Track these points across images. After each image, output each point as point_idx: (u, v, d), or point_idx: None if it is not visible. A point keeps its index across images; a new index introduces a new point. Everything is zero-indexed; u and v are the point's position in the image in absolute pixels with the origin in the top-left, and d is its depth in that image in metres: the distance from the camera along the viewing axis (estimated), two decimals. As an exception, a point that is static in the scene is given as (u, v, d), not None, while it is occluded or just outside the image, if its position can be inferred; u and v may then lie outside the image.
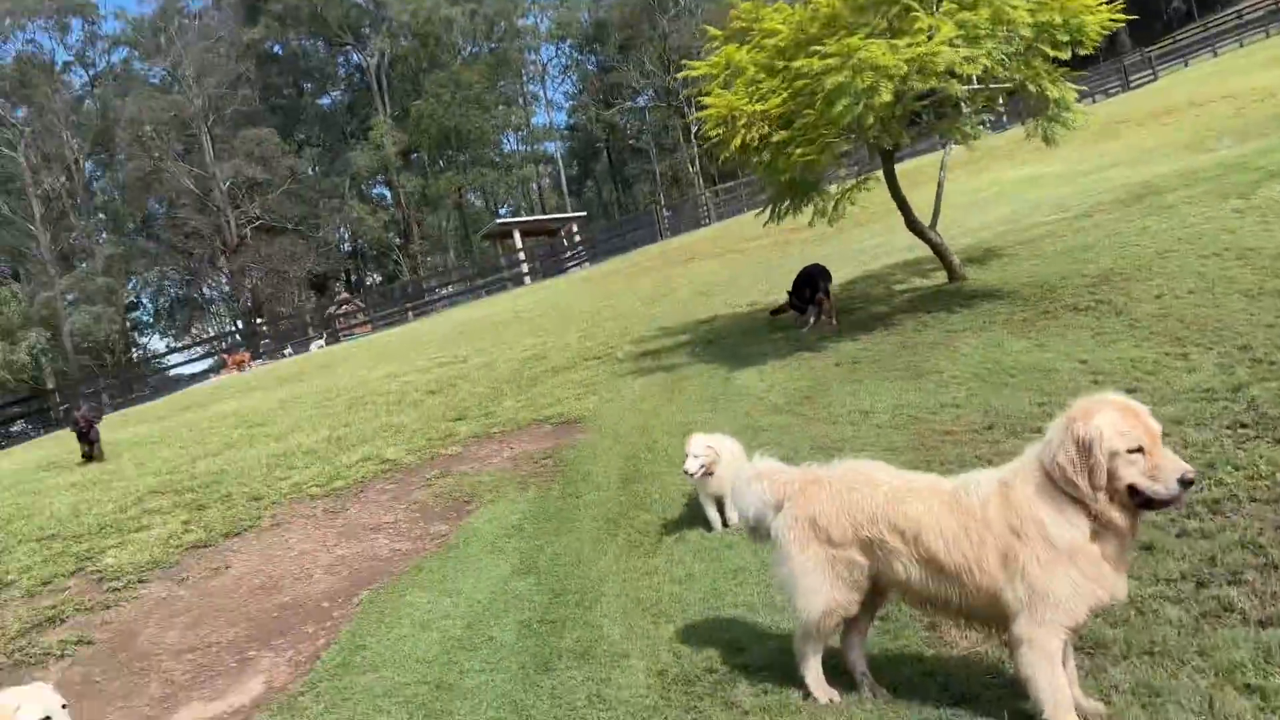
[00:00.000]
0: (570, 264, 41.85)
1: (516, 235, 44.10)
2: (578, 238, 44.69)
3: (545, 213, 59.11)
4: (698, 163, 62.55)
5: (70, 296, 50.42)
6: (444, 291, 43.86)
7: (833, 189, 11.89)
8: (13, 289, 31.53)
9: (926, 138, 22.64)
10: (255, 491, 9.82)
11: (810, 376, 9.98)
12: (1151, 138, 24.19)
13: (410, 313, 40.46)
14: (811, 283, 12.41)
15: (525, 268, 42.16)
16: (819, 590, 4.00)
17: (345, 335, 38.59)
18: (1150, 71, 43.79)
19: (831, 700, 4.09)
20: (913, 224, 12.66)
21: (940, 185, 13.62)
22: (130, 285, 59.21)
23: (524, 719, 4.51)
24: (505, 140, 66.96)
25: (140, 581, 7.77)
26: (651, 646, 4.95)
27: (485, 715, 4.63)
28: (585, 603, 5.75)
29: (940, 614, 4.01)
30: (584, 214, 52.71)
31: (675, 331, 15.01)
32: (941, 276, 13.46)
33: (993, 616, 3.75)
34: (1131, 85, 42.62)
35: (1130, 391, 7.76)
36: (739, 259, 24.18)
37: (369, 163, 58.29)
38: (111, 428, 21.70)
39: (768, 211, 12.06)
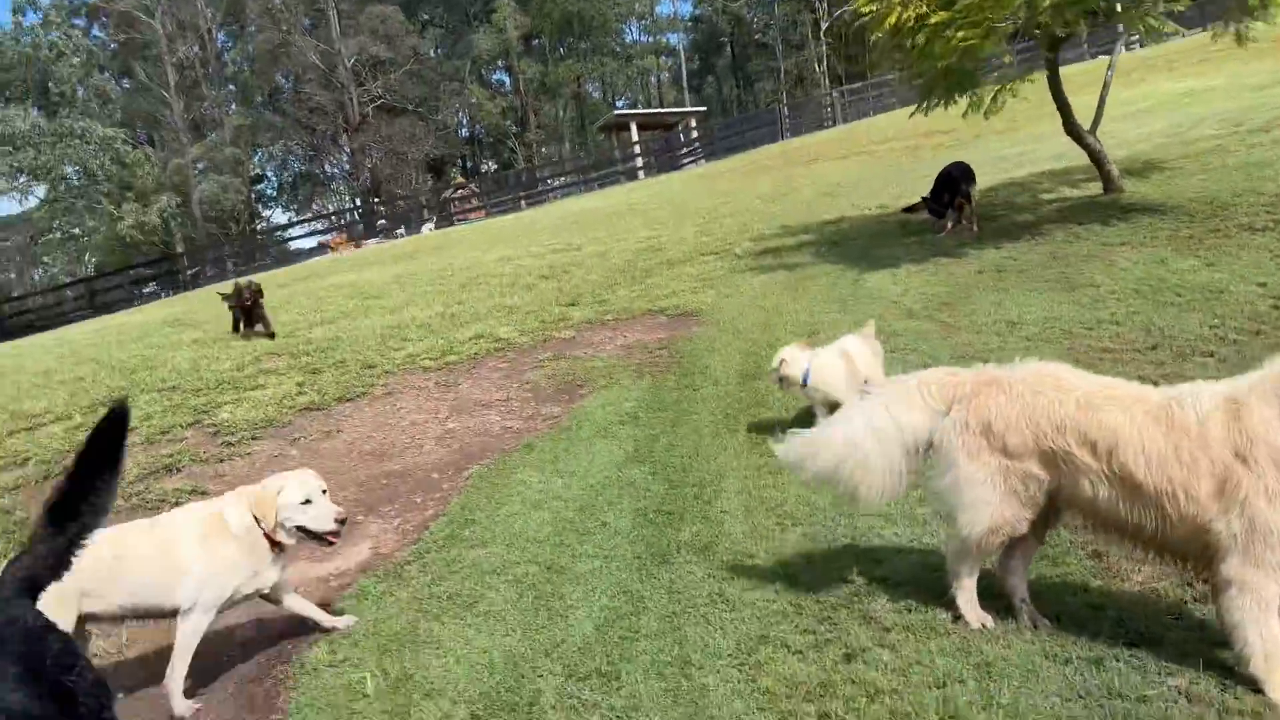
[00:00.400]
0: (686, 160, 40.86)
1: (633, 128, 43.16)
2: (695, 133, 43.50)
3: (663, 107, 57.68)
4: (825, 62, 59.96)
5: (200, 165, 51.78)
6: (557, 182, 43.49)
7: (990, 81, 10.85)
8: (146, 153, 32.35)
9: (1096, 33, 20.75)
10: (369, 360, 9.74)
11: (949, 282, 9.30)
12: (1339, 53, 21.86)
13: (523, 201, 40.31)
14: (952, 184, 11.55)
15: (640, 162, 41.37)
16: (987, 503, 3.52)
17: (459, 220, 38.69)
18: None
19: (985, 625, 3.66)
20: (1071, 127, 11.61)
21: (1106, 86, 12.43)
22: (256, 158, 60.54)
23: (640, 610, 4.21)
24: (627, 29, 65.44)
25: (253, 439, 7.76)
26: (778, 549, 4.58)
27: (599, 603, 4.35)
28: (704, 496, 5.40)
29: (1128, 543, 3.48)
30: (703, 109, 51.29)
31: (797, 231, 14.33)
32: (1095, 187, 12.42)
33: (1194, 552, 3.23)
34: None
35: (1324, 322, 7.04)
36: (866, 161, 23.04)
37: (490, 45, 57.56)
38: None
39: (918, 104, 11.14)
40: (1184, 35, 14.01)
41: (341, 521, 4.38)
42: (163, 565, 4.17)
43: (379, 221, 40.76)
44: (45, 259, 66.35)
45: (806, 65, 60.94)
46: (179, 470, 7.25)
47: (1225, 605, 3.09)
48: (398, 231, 38.01)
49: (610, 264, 14.28)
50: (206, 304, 18.19)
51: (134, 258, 42.28)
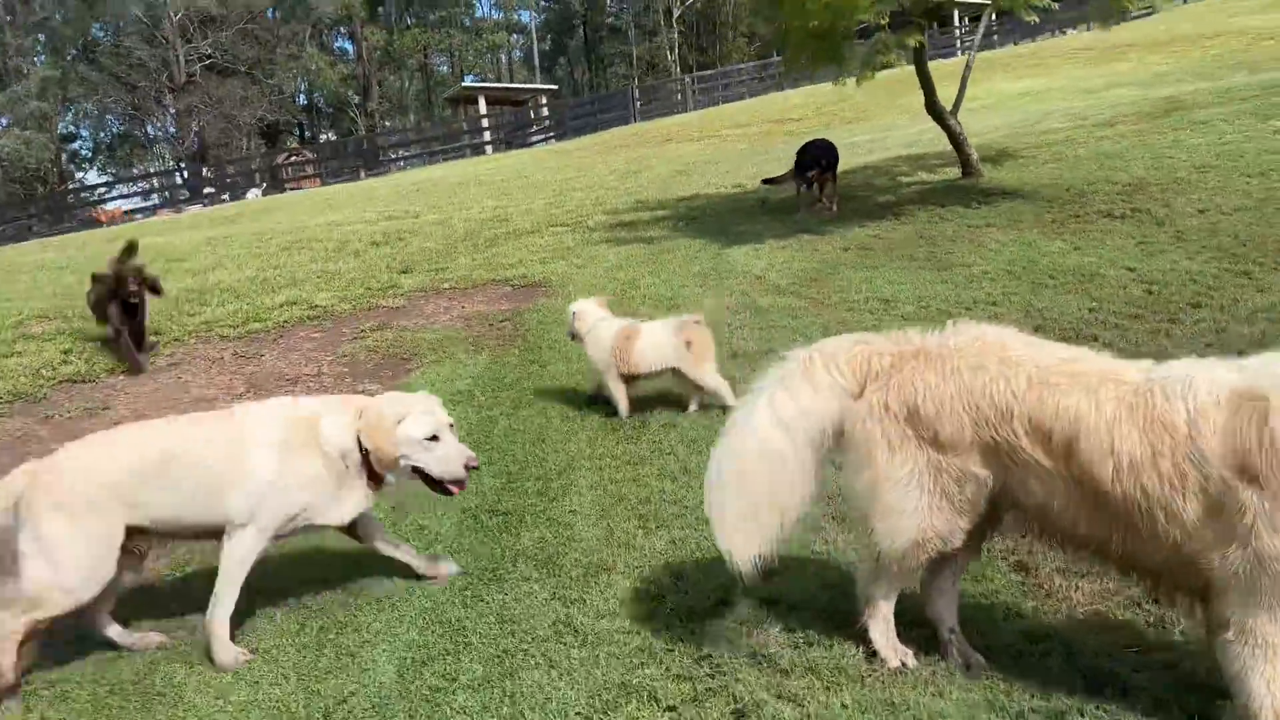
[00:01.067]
0: (535, 138, 39.56)
1: (482, 102, 41.44)
2: (545, 111, 42.22)
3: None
4: (676, 50, 59.66)
5: (2, 121, 46.74)
6: (400, 153, 41.36)
7: (859, 52, 10.22)
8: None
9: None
10: (155, 325, 8.24)
11: (815, 259, 8.61)
12: (1164, 62, 22.83)
13: (363, 171, 38.05)
14: (815, 158, 10.91)
15: (488, 136, 39.77)
16: (912, 510, 2.68)
17: (292, 188, 36.14)
18: (1149, 6, 42.04)
19: (906, 664, 2.83)
20: (934, 106, 11.19)
21: (968, 67, 12.11)
22: (68, 115, 55.27)
23: (460, 648, 3.17)
24: (478, 3, 63.30)
25: (-5, 415, 6.27)
26: (641, 560, 3.63)
27: (404, 638, 3.29)
28: (550, 493, 4.41)
29: (1091, 560, 2.72)
30: (555, 88, 49.99)
31: (653, 206, 13.49)
32: (952, 172, 12.11)
33: (1178, 580, 2.47)
34: (1130, 16, 40.88)
35: (1195, 306, 6.68)
36: (719, 144, 22.50)
37: (333, 8, 54.36)
38: (23, 252, 19.70)
39: (788, 69, 10.41)
40: (1062, 33, 13.84)
41: (473, 468, 3.47)
42: (219, 468, 3.33)
43: (205, 189, 37.65)
44: None
45: (659, 52, 60.47)
46: (-115, 454, 5.70)
47: (1225, 651, 2.32)
48: (223, 197, 35.14)
49: (451, 232, 13.04)
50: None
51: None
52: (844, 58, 9.92)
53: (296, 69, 56.36)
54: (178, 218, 26.94)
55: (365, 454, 3.41)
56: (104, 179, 54.16)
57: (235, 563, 3.35)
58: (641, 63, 60.59)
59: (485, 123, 40.48)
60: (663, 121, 34.21)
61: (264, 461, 3.34)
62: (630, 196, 14.92)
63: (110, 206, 30.74)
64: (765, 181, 11.97)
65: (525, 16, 65.58)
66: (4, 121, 47.64)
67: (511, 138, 39.57)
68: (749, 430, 2.83)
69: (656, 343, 5.42)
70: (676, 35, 59.91)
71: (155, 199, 37.03)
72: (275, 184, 37.15)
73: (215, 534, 3.41)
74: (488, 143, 39.11)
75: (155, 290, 7.52)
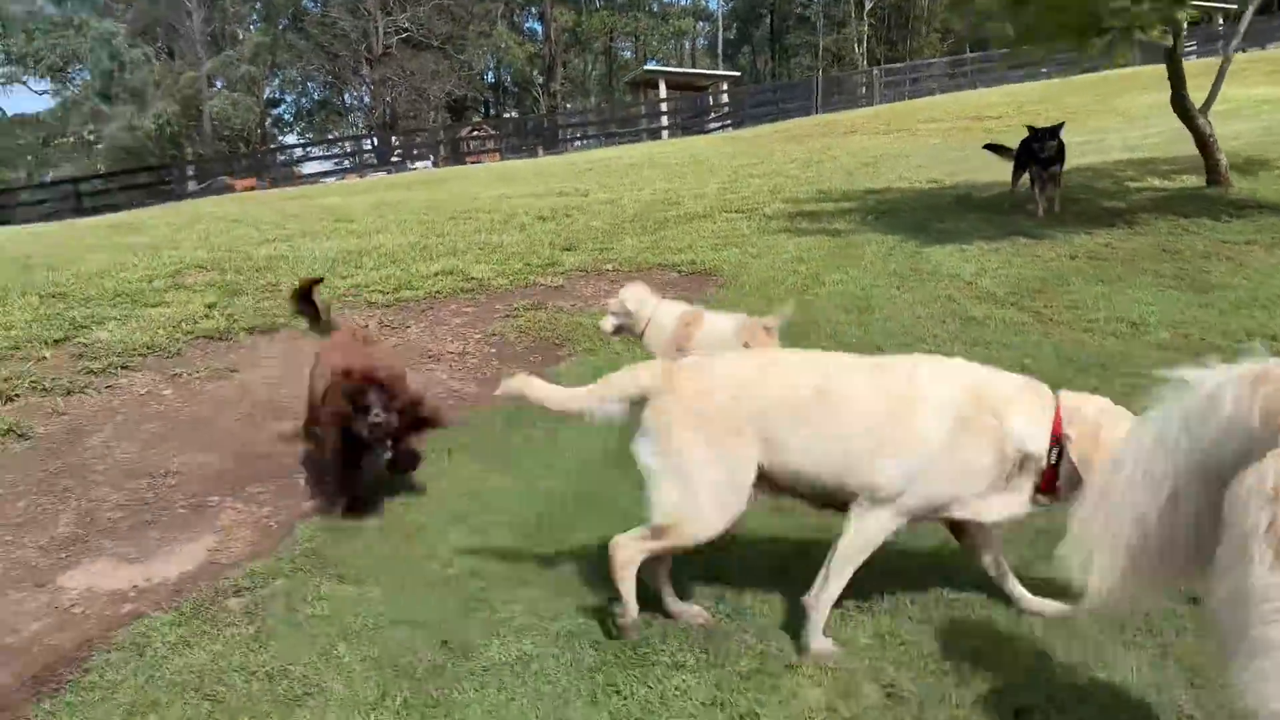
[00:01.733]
0: (713, 125, 38.60)
1: (662, 86, 40.68)
2: (725, 98, 41.14)
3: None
4: (865, 42, 57.38)
5: (219, 84, 49.35)
6: (578, 133, 41.24)
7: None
8: (146, 53, 29.97)
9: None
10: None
11: (1037, 266, 7.30)
12: None
13: (540, 149, 38.09)
14: (1041, 150, 9.44)
15: (665, 121, 39.07)
16: None
17: (472, 162, 36.47)
18: None
19: None
20: (1181, 103, 9.59)
21: (1226, 61, 10.37)
22: (275, 81, 58.01)
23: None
24: (668, -11, 62.53)
25: (124, 367, 5.80)
26: (838, 661, 2.63)
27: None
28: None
29: None
30: (737, 74, 48.78)
31: (837, 197, 12.30)
32: (1189, 179, 10.44)
33: None
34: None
35: None
36: (909, 138, 20.90)
37: (525, -12, 54.90)
38: (216, 204, 20.25)
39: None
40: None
41: None
42: (879, 425, 2.69)
43: (391, 157, 38.53)
44: (60, 163, 64.21)
45: (846, 44, 58.34)
46: (12, 399, 5.30)
47: None
48: (407, 165, 35.83)
49: (620, 212, 12.25)
50: (178, 214, 16.22)
51: (133, 162, 40.09)
52: (1095, 37, 8.39)
53: (486, 46, 57.32)
54: (359, 182, 27.45)
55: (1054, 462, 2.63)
56: (300, 142, 56.66)
57: (862, 541, 2.72)
58: (827, 54, 58.59)
59: (664, 107, 39.78)
60: (846, 113, 32.56)
61: (934, 431, 2.65)
62: (811, 186, 13.76)
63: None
64: (989, 147, 10.51)
65: (713, 3, 64.61)
66: (219, 84, 50.22)
67: (689, 123, 38.75)
68: None
69: (715, 336, 4.66)
70: (866, 28, 57.61)
71: (345, 164, 38.19)
72: (456, 156, 37.64)
73: (836, 502, 2.80)
74: (664, 127, 38.44)
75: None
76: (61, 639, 3.12)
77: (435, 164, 34.21)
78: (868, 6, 57.40)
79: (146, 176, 35.73)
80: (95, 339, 6.25)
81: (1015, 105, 24.64)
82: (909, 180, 13.27)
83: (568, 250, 9.46)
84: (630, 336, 5.05)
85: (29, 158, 69.99)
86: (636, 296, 4.97)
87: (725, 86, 42.13)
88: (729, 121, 38.51)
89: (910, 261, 7.79)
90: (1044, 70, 34.83)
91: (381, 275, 8.11)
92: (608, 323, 5.06)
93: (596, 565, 3.14)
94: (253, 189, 26.55)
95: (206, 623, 3.10)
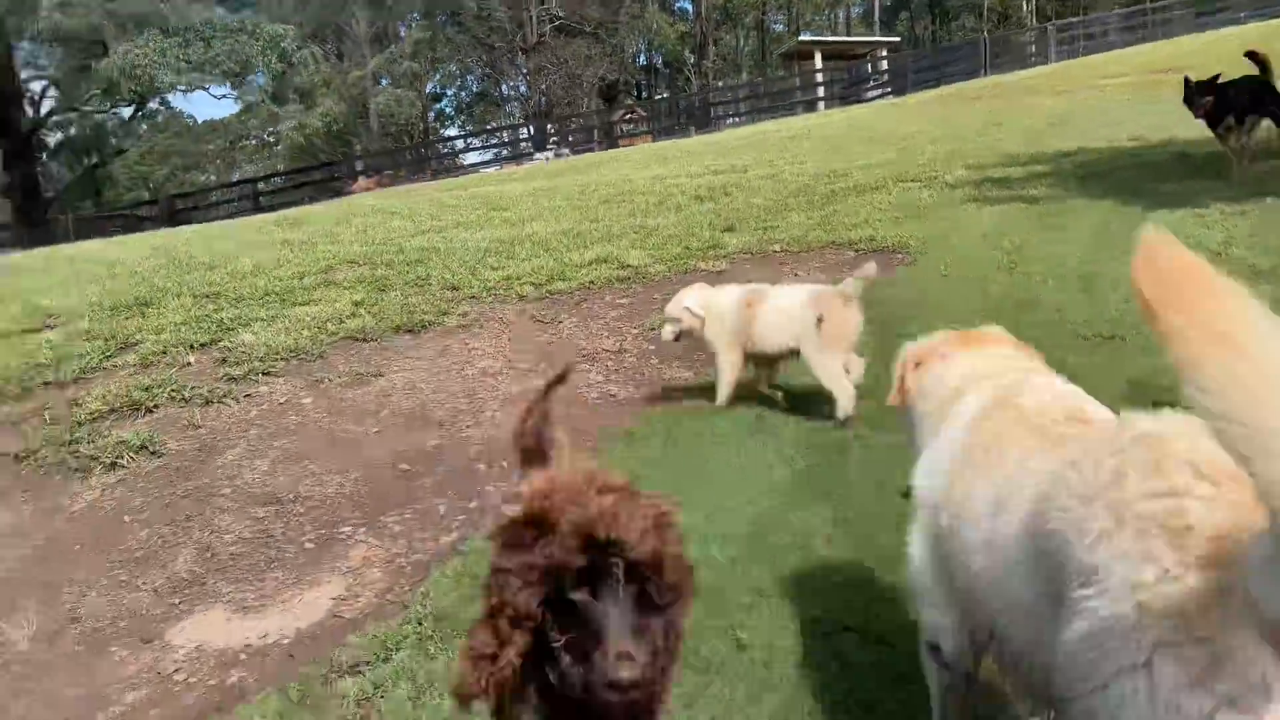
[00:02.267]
0: (871, 93, 36.77)
1: (817, 56, 39.08)
2: (884, 64, 39.12)
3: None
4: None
5: (384, 81, 50.77)
6: (730, 110, 40.13)
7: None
8: (314, 52, 30.94)
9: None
10: (456, 279, 7.26)
11: (1302, 231, 6.01)
12: None
13: (693, 129, 37.26)
14: (1246, 101, 7.93)
15: (821, 92, 37.50)
16: None
17: (625, 145, 36.04)
18: None
19: None
20: None
21: None
22: (436, 76, 59.33)
23: None
24: (821, -44, 60.27)
25: (266, 373, 5.40)
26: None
27: None
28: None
29: None
30: (896, 39, 46.46)
31: (1025, 160, 11.00)
32: None
33: None
34: None
35: None
36: (1096, 95, 18.98)
37: (674, -34, 53.94)
38: (378, 196, 20.48)
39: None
40: None
41: None
42: None
43: (548, 144, 38.60)
44: (244, 164, 68.11)
45: (1012, 2, 54.75)
46: (151, 411, 4.97)
47: None
48: (562, 152, 35.76)
49: (782, 187, 11.35)
50: (340, 209, 16.35)
51: (301, 161, 41.76)
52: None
53: (638, 28, 56.87)
54: (516, 170, 27.43)
55: None
56: (460, 134, 57.82)
57: None
58: (993, 14, 55.13)
59: (819, 78, 38.21)
60: (1018, 73, 30.27)
61: None
62: (993, 151, 12.43)
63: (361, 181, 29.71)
64: (1194, 85, 8.92)
65: (868, -31, 61.93)
66: (384, 81, 51.70)
67: (846, 93, 37.08)
68: None
69: (781, 314, 4.29)
70: (1035, -19, 53.86)
71: (503, 153, 38.53)
72: (610, 140, 37.32)
73: None
74: (820, 99, 36.91)
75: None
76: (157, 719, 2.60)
77: (570, 153, 33.85)
78: (1036, -41, 53.70)
79: (319, 174, 37.08)
80: (239, 342, 5.91)
81: (1211, 54, 22.15)
82: (1105, 139, 11.76)
83: (729, 231, 8.67)
84: (691, 340, 4.64)
85: (217, 161, 74.72)
86: (700, 300, 4.48)
87: (884, 53, 40.07)
88: (888, 89, 36.64)
89: (1134, 227, 6.60)
90: (1241, 15, 31.44)
91: (534, 266, 7.54)
92: (667, 331, 4.59)
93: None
94: (369, 190, 25.78)
95: (313, 713, 2.50)
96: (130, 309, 7.12)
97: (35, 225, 29.69)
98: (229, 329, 6.26)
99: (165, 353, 5.81)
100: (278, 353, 5.66)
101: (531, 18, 52.99)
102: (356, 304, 6.66)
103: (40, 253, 12.88)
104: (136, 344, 6.11)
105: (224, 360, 5.65)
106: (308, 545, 3.60)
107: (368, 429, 4.67)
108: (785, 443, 3.90)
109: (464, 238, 9.57)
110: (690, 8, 61.28)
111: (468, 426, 4.61)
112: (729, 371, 4.40)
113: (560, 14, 53.76)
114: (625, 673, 1.23)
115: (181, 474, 4.26)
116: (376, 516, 3.77)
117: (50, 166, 35.58)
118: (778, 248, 7.59)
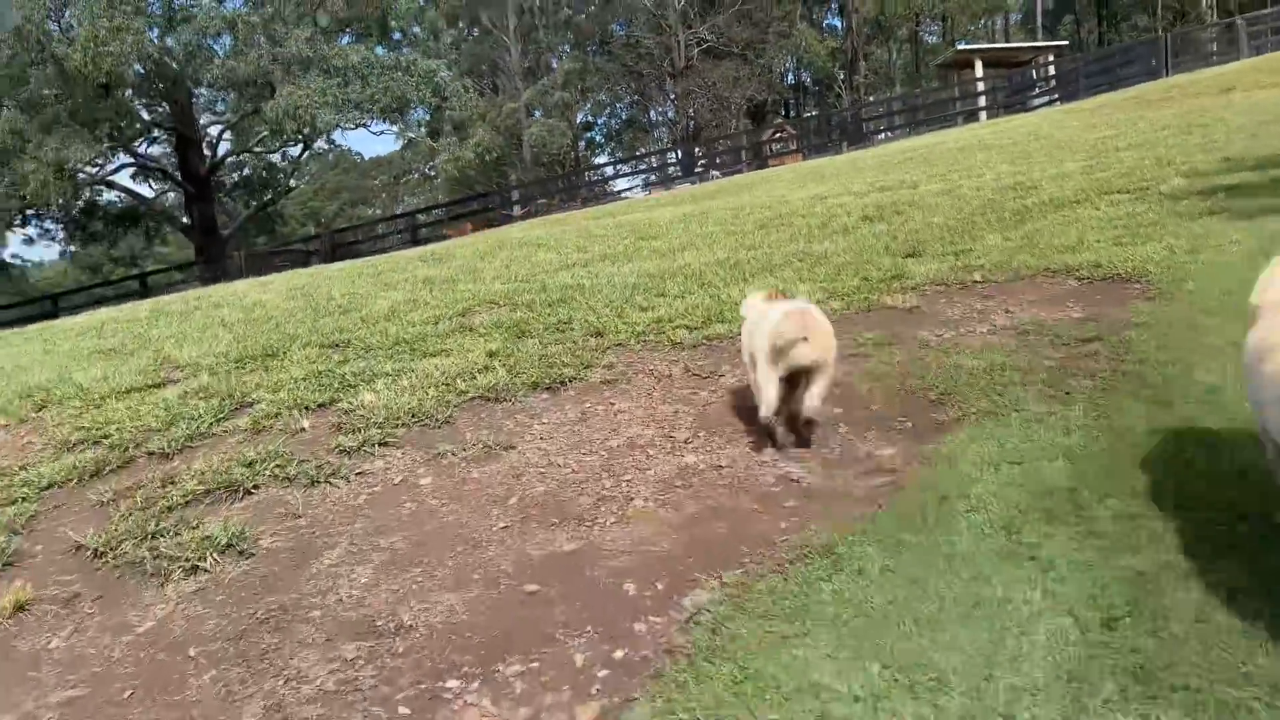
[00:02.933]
0: (1037, 100, 34.28)
1: (978, 65, 36.77)
2: (1050, 70, 36.44)
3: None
4: (1215, -8, 49.35)
5: (536, 113, 51.40)
6: (883, 124, 38.28)
7: None
8: (465, 84, 31.28)
9: None
10: (600, 323, 6.33)
11: None
12: None
13: (845, 144, 35.68)
14: None
15: (983, 102, 35.23)
16: None
17: (775, 164, 34.81)
18: None
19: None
20: None
21: None
22: (586, 105, 59.70)
23: None
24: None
25: (381, 444, 4.57)
26: None
27: None
28: None
29: None
30: (1064, 43, 43.38)
31: (1253, 164, 9.28)
32: None
33: None
34: None
35: None
36: (1314, 87, 16.57)
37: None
38: (524, 228, 20.05)
39: None
40: None
41: None
42: None
43: (695, 167, 37.82)
44: (406, 198, 70.77)
45: (1190, -2, 50.61)
46: (250, 493, 4.22)
47: None
48: (712, 174, 34.87)
49: (963, 203, 9.98)
50: (487, 241, 15.88)
51: (459, 194, 42.49)
52: None
53: (787, 47, 55.63)
54: (664, 194, 26.67)
55: None
56: (610, 161, 57.97)
57: None
58: (1169, 11, 51.02)
59: (980, 86, 35.94)
60: (1207, 71, 27.36)
61: None
62: (1208, 154, 10.67)
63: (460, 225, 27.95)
64: None
65: (1028, -28, 58.65)
66: (536, 113, 52.31)
67: (1009, 101, 34.72)
68: None
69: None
70: (1217, -26, 49.54)
71: (653, 178, 38.03)
72: (760, 160, 36.19)
73: None
74: (982, 109, 34.73)
75: None
76: None
77: (732, 171, 32.80)
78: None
79: (476, 204, 37.50)
80: (359, 403, 5.13)
81: None
82: (1357, 134, 9.85)
83: (912, 257, 7.43)
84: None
85: (383, 195, 77.83)
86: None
87: (1050, 58, 37.38)
88: (1055, 95, 34.11)
89: None
90: None
91: (687, 304, 6.52)
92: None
93: None
94: (465, 234, 24.98)
95: None
96: (256, 360, 6.53)
97: (213, 261, 31.04)
98: (350, 385, 5.51)
99: (279, 415, 5.10)
100: (399, 417, 4.84)
101: (679, 42, 52.56)
102: (491, 355, 5.80)
103: (190, 294, 12.82)
104: (253, 404, 5.44)
105: (339, 426, 4.87)
106: (402, 710, 2.66)
107: (493, 522, 3.74)
108: (1064, 575, 2.71)
109: (610, 272, 8.68)
110: (839, 24, 59.63)
111: (612, 523, 3.61)
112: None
113: (708, 37, 53.12)
114: None
115: (268, 585, 3.43)
116: (493, 665, 2.80)
117: (228, 205, 37.33)
118: (978, 277, 6.31)
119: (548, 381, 5.20)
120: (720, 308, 6.27)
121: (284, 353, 6.57)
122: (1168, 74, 31.44)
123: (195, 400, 5.65)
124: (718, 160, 38.87)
